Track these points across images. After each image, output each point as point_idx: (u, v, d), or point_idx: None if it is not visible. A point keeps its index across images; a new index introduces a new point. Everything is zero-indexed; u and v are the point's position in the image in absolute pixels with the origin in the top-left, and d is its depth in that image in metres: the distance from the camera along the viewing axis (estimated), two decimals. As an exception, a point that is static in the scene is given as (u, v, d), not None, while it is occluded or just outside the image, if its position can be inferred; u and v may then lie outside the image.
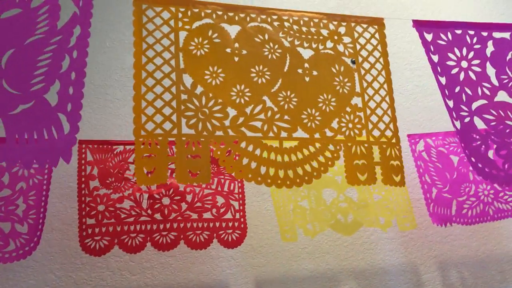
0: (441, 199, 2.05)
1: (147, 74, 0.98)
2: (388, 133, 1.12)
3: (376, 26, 1.17)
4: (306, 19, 1.13)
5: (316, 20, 1.14)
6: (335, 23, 1.15)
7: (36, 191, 1.67)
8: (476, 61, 1.18)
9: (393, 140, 1.10)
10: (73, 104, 0.89)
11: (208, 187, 1.82)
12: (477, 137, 1.09)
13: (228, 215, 1.80)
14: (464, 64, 1.17)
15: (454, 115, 1.10)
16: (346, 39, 1.15)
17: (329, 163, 1.01)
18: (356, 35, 1.16)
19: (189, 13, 1.05)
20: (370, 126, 1.09)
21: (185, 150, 0.95)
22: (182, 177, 0.93)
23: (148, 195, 1.75)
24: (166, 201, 1.77)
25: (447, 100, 1.12)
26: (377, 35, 1.17)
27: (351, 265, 2.17)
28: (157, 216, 1.74)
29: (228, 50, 1.05)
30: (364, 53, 1.15)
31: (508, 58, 1.20)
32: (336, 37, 1.14)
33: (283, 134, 1.02)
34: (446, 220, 2.03)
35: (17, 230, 1.61)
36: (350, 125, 1.08)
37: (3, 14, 0.94)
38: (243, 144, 0.99)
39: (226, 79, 1.02)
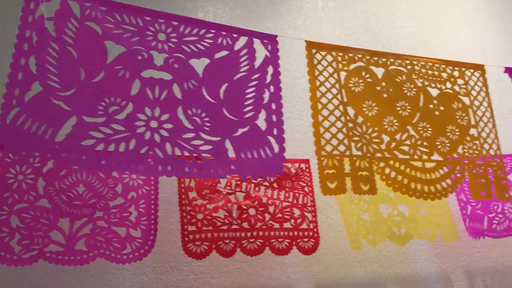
0: (475, 215, 2.31)
1: (322, 106, 1.23)
2: (497, 158, 1.40)
3: (480, 71, 1.47)
4: (430, 64, 1.41)
5: (437, 65, 1.42)
6: (451, 67, 1.43)
7: (145, 200, 1.83)
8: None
9: (501, 164, 1.38)
10: (278, 129, 1.12)
11: (286, 200, 2.02)
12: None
13: (304, 225, 2.00)
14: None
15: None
16: (460, 81, 1.43)
17: (459, 181, 1.28)
18: (466, 78, 1.45)
19: (346, 56, 1.31)
20: (484, 152, 1.37)
21: (357, 168, 1.19)
22: (356, 189, 1.18)
23: (237, 206, 1.94)
24: (252, 211, 1.96)
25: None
26: (481, 79, 1.46)
27: (395, 273, 2.40)
28: (245, 225, 1.92)
29: (378, 87, 1.32)
30: (474, 92, 1.44)
31: None
32: (452, 79, 1.42)
33: (424, 157, 1.28)
34: (480, 233, 2.29)
35: (131, 234, 1.77)
36: (471, 151, 1.35)
37: (216, 54, 1.16)
38: (396, 164, 1.24)
39: (379, 111, 1.28)
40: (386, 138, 1.28)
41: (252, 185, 1.98)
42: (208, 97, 1.11)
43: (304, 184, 2.09)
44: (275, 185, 2.01)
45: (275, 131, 1.12)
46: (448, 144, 1.33)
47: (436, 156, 1.31)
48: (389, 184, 1.23)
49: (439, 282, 2.47)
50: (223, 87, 1.13)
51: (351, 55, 1.32)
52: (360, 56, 1.33)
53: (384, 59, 1.36)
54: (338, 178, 1.17)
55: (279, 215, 1.97)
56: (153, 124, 1.04)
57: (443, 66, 1.43)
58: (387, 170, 1.24)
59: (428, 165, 1.29)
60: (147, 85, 1.05)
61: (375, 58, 1.35)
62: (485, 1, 3.34)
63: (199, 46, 1.15)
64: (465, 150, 1.35)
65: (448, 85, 1.41)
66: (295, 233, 1.97)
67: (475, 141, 1.38)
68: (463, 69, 1.45)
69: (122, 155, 0.98)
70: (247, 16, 2.62)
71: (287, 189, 2.03)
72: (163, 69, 1.09)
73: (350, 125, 1.24)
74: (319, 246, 2.28)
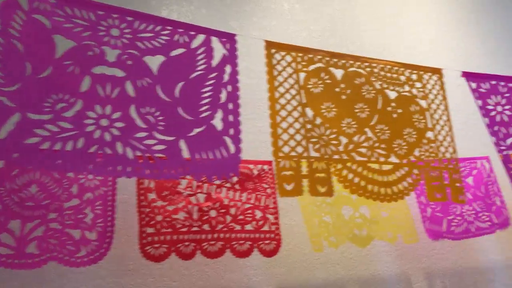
0: (435, 218, 2.35)
1: (281, 106, 1.21)
2: (452, 161, 1.42)
3: (438, 75, 1.49)
4: (389, 67, 1.42)
5: (395, 68, 1.43)
6: (409, 70, 1.44)
7: (102, 201, 1.78)
8: (507, 106, 1.52)
9: (456, 167, 1.40)
10: (234, 129, 1.10)
11: (248, 202, 2.00)
12: (513, 166, 1.42)
13: (266, 227, 1.98)
14: (499, 108, 1.51)
15: (497, 149, 1.42)
16: (418, 84, 1.45)
17: (415, 183, 1.29)
18: (424, 81, 1.47)
19: (305, 57, 1.30)
20: (440, 155, 1.39)
21: (314, 170, 1.19)
22: (314, 191, 1.17)
23: (198, 208, 1.91)
24: (213, 213, 1.93)
25: (490, 137, 1.44)
26: (439, 82, 1.48)
27: (356, 275, 2.41)
28: (206, 227, 1.89)
29: (337, 89, 1.31)
30: (431, 96, 1.46)
31: (527, 104, 1.55)
32: (410, 82, 1.43)
33: (381, 159, 1.28)
34: (439, 235, 2.33)
35: (86, 237, 1.71)
36: (427, 154, 1.36)
37: (171, 52, 1.13)
38: (353, 166, 1.24)
39: (337, 113, 1.28)
40: (344, 140, 1.27)
41: (214, 186, 1.95)
42: (162, 96, 1.08)
43: (267, 186, 2.07)
44: (237, 186, 1.99)
45: (231, 132, 1.10)
46: (405, 147, 1.34)
47: (393, 159, 1.32)
48: (346, 186, 1.23)
49: (400, 283, 2.50)
50: (179, 85, 1.10)
51: (310, 56, 1.31)
52: (319, 57, 1.33)
53: (343, 61, 1.36)
54: (295, 180, 1.15)
55: (241, 217, 1.95)
56: (104, 122, 1.00)
57: (402, 69, 1.44)
58: (345, 172, 1.24)
59: (385, 167, 1.30)
60: (98, 81, 1.01)
61: (335, 60, 1.35)
62: (448, 6, 3.41)
63: (154, 43, 1.12)
64: (422, 153, 1.37)
65: (406, 88, 1.42)
66: (257, 235, 1.96)
67: (432, 144, 1.39)
68: (421, 72, 1.47)
69: (69, 154, 0.94)
70: (212, 15, 2.59)
71: (249, 191, 2.01)
72: (115, 65, 1.05)
73: (309, 126, 1.23)
74: (282, 248, 2.27)
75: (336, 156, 1.23)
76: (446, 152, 1.42)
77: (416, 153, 1.36)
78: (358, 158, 1.26)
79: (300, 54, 1.30)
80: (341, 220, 2.22)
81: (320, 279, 2.31)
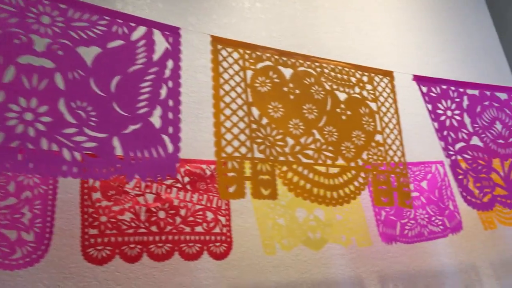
0: (388, 221, 2.37)
1: (225, 105, 1.16)
2: (400, 165, 1.40)
3: (389, 78, 1.47)
4: (339, 68, 1.39)
5: (346, 69, 1.40)
6: (360, 72, 1.42)
7: (41, 200, 1.70)
8: (457, 111, 1.52)
9: (404, 171, 1.38)
10: (174, 128, 1.04)
11: (199, 203, 1.95)
12: (461, 172, 1.41)
13: (217, 230, 1.94)
14: (449, 113, 1.50)
15: (445, 153, 1.42)
16: (368, 86, 1.42)
17: (362, 187, 1.27)
18: (375, 83, 1.45)
19: (253, 55, 1.25)
20: (388, 158, 1.37)
21: (258, 172, 1.14)
22: (256, 194, 1.12)
23: (145, 209, 1.85)
24: (162, 214, 1.87)
25: (439, 141, 1.43)
26: (389, 85, 1.46)
27: (310, 278, 2.40)
28: (153, 228, 1.84)
29: (285, 89, 1.27)
30: (381, 98, 1.44)
31: (477, 110, 1.56)
32: (361, 84, 1.40)
33: (329, 162, 1.25)
34: (392, 239, 2.34)
35: (23, 238, 1.63)
36: (375, 157, 1.34)
37: (109, 44, 1.06)
38: (299, 169, 1.20)
39: (284, 113, 1.23)
40: (290, 141, 1.23)
41: (164, 186, 1.89)
42: (96, 90, 1.01)
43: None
44: (188, 187, 1.93)
45: (170, 130, 1.05)
46: (353, 150, 1.31)
47: (340, 161, 1.29)
48: (291, 189, 1.19)
49: (353, 286, 2.49)
50: (115, 79, 1.04)
51: (259, 53, 1.27)
52: (268, 55, 1.29)
53: (293, 60, 1.32)
54: (237, 182, 1.11)
55: (191, 218, 1.90)
56: (28, 116, 0.92)
57: (353, 70, 1.42)
58: (290, 175, 1.20)
59: (332, 170, 1.27)
60: (23, 72, 0.94)
61: (284, 58, 1.31)
62: (410, 12, 3.45)
63: (89, 33, 1.05)
64: (370, 156, 1.34)
65: (357, 89, 1.40)
66: (207, 237, 1.91)
67: (380, 147, 1.37)
68: (372, 74, 1.45)
69: (-14, 150, 0.87)
70: (170, 10, 2.52)
71: (201, 192, 1.96)
72: (44, 55, 0.98)
73: (254, 126, 1.19)
74: (234, 250, 2.23)
75: (281, 158, 1.19)
76: (394, 156, 1.40)
77: (364, 156, 1.33)
78: (305, 160, 1.23)
79: (248, 51, 1.25)
80: (295, 222, 2.20)
81: (272, 282, 2.28)
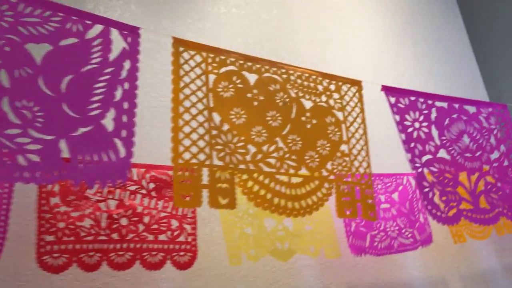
0: (358, 232, 2.34)
1: (184, 109, 1.12)
2: (366, 176, 1.37)
3: (356, 87, 1.44)
4: (306, 75, 1.35)
5: (313, 77, 1.37)
6: (327, 80, 1.39)
7: (-4, 205, 1.62)
8: (425, 123, 1.50)
9: (369, 183, 1.35)
10: (127, 131, 0.99)
11: (164, 210, 1.89)
12: (427, 184, 1.39)
13: (181, 238, 1.88)
14: (416, 124, 1.48)
15: (411, 166, 1.39)
16: (335, 95, 1.39)
17: (325, 198, 1.23)
18: (342, 92, 1.42)
19: (217, 59, 1.21)
20: (353, 169, 1.34)
21: (216, 180, 1.10)
22: (214, 203, 1.07)
23: (107, 215, 1.78)
24: (124, 221, 1.81)
25: (406, 153, 1.41)
26: (357, 95, 1.44)
27: (277, 289, 2.36)
28: (115, 236, 1.77)
29: (249, 95, 1.23)
30: (348, 108, 1.41)
31: (445, 123, 1.54)
32: (328, 93, 1.37)
33: (291, 171, 1.21)
34: (361, 251, 2.32)
35: (-25, 242, 1.55)
36: (340, 168, 1.31)
37: (61, 41, 1.01)
38: (260, 177, 1.16)
39: (247, 120, 1.19)
40: (252, 149, 1.19)
41: (128, 192, 1.83)
42: (45, 89, 0.96)
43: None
44: (153, 193, 1.87)
45: (123, 133, 0.99)
46: (317, 159, 1.27)
47: (304, 171, 1.25)
48: (251, 198, 1.15)
49: (322, 298, 2.46)
50: (66, 79, 0.98)
51: (223, 57, 1.23)
52: (233, 59, 1.25)
53: (258, 66, 1.29)
54: (194, 190, 1.06)
55: (155, 226, 1.84)
56: (-33, 115, 0.87)
57: (320, 78, 1.39)
58: (250, 183, 1.15)
59: (295, 180, 1.23)
60: (-36, 68, 0.88)
61: (249, 63, 1.27)
62: (386, 23, 3.47)
63: (40, 29, 0.99)
64: (334, 167, 1.31)
65: (323, 98, 1.37)
66: (171, 246, 1.85)
67: (346, 157, 1.34)
68: (340, 83, 1.42)
69: None
70: (143, 12, 2.47)
71: (166, 199, 1.90)
72: (-11, 51, 0.92)
73: (214, 132, 1.14)
74: (201, 260, 2.17)
75: (242, 166, 1.15)
76: (360, 166, 1.37)
77: (329, 166, 1.30)
78: (266, 169, 1.19)
79: (212, 55, 1.21)
80: (263, 232, 2.15)
81: (239, 293, 2.23)
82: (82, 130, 0.95)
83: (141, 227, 1.81)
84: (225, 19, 2.77)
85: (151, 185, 1.87)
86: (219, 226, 2.20)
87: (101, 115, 0.98)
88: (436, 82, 3.42)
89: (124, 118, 1.01)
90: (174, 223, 1.87)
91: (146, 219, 1.82)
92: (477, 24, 3.69)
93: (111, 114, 1.01)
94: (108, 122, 1.00)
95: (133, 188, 1.82)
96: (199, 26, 2.65)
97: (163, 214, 1.86)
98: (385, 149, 2.71)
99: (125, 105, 1.02)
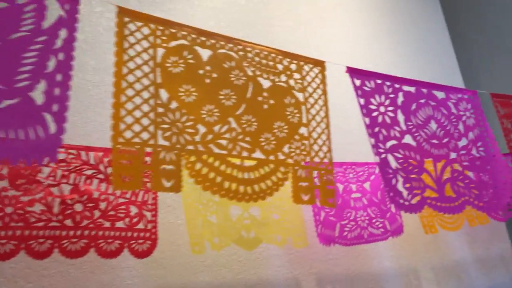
0: (328, 222, 2.29)
1: (128, 84, 1.03)
2: (326, 161, 1.30)
3: (319, 68, 1.37)
4: (265, 53, 1.28)
5: (273, 55, 1.29)
6: (288, 59, 1.31)
7: None
8: (390, 108, 1.44)
9: (329, 168, 1.29)
10: (59, 106, 0.91)
11: (123, 196, 1.81)
12: (390, 171, 1.33)
13: (140, 226, 1.81)
14: (382, 109, 1.42)
15: (374, 151, 1.33)
16: (296, 75, 1.32)
17: (280, 183, 1.16)
18: (304, 73, 1.34)
19: (166, 32, 1.13)
20: (313, 153, 1.27)
21: (160, 161, 1.02)
22: (156, 185, 1.00)
23: (60, 200, 1.69)
24: (78, 207, 1.72)
25: (369, 138, 1.35)
26: (320, 76, 1.36)
27: (244, 279, 2.30)
28: (68, 222, 1.69)
29: (201, 71, 1.15)
30: (310, 89, 1.34)
31: (412, 108, 1.48)
32: (288, 72, 1.30)
33: (244, 154, 1.13)
34: (330, 241, 2.27)
35: None
36: (298, 151, 1.24)
37: (-12, 5, 0.92)
38: (210, 160, 1.08)
39: (198, 98, 1.11)
40: (202, 129, 1.11)
41: (83, 177, 1.74)
42: (-35, 56, 0.87)
43: (147, 180, 1.88)
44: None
45: (54, 108, 0.91)
46: (273, 142, 1.20)
47: (258, 154, 1.18)
48: (198, 181, 1.07)
49: (289, 288, 2.41)
50: (-9, 46, 0.89)
51: (173, 30, 1.14)
52: (184, 33, 1.16)
53: (213, 41, 1.20)
54: (134, 170, 0.98)
55: (112, 212, 1.75)
56: None
57: (280, 57, 1.31)
58: (199, 166, 1.08)
59: (248, 163, 1.15)
60: None
61: (203, 38, 1.19)
62: (364, 10, 3.41)
63: (-37, -8, 0.90)
64: (292, 150, 1.24)
65: (283, 78, 1.29)
66: (129, 233, 1.77)
67: (304, 141, 1.27)
68: (302, 63, 1.35)
69: None
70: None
71: (125, 184, 1.81)
72: None
73: (160, 110, 1.06)
74: (164, 248, 2.10)
75: (190, 147, 1.07)
76: (319, 151, 1.30)
77: (285, 149, 1.23)
78: (217, 150, 1.11)
79: (161, 28, 1.13)
80: (228, 220, 2.08)
81: (203, 283, 2.16)
82: (6, 102, 0.87)
83: (97, 213, 1.73)
84: (197, 1, 2.68)
85: (109, 170, 1.78)
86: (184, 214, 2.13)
87: (29, 87, 0.89)
88: (413, 70, 3.38)
89: (57, 91, 0.92)
90: (133, 210, 1.80)
91: (103, 205, 1.74)
92: (455, 12, 3.65)
93: (42, 86, 0.92)
94: (38, 95, 0.91)
95: (89, 172, 1.73)
96: (168, 7, 2.56)
97: (121, 200, 1.78)
98: (357, 137, 2.66)
99: (58, 77, 0.93)
